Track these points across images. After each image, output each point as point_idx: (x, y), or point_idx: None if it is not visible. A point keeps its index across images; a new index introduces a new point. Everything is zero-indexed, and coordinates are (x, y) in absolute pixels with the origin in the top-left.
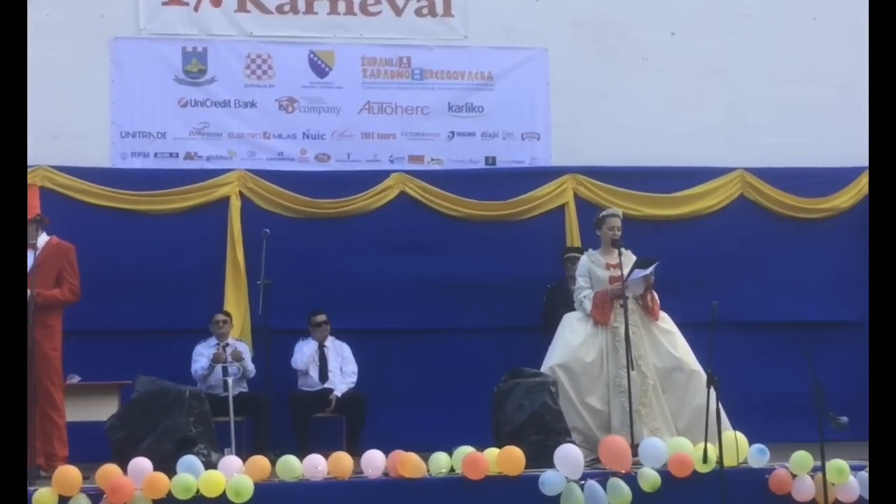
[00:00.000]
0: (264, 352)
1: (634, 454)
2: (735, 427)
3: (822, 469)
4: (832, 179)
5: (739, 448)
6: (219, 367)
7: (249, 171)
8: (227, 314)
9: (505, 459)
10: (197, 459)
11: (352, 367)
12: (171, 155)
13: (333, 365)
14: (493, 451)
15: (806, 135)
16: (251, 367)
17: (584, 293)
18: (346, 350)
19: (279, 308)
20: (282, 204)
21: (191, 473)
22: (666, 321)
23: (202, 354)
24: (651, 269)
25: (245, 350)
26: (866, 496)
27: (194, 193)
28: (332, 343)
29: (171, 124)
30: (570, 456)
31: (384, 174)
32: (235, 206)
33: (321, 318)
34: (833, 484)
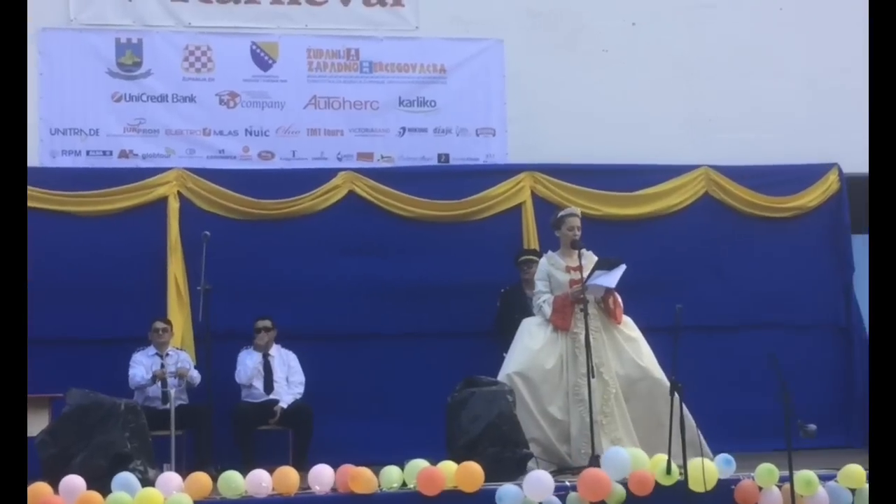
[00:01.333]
0: (206, 361)
1: (597, 465)
2: (700, 434)
3: (790, 480)
4: (799, 177)
5: (708, 477)
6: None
7: (188, 169)
8: (167, 322)
9: (463, 475)
10: (133, 476)
11: (298, 377)
12: (104, 153)
13: (279, 375)
14: (448, 465)
15: (772, 130)
16: (196, 375)
17: (543, 297)
18: (292, 359)
19: (221, 314)
20: (223, 205)
21: (126, 491)
22: (630, 327)
23: (140, 363)
24: (618, 276)
25: (187, 360)
26: None
27: (130, 194)
28: (277, 352)
29: (105, 120)
30: (541, 484)
31: (331, 173)
32: (174, 207)
33: (266, 323)
34: (801, 495)
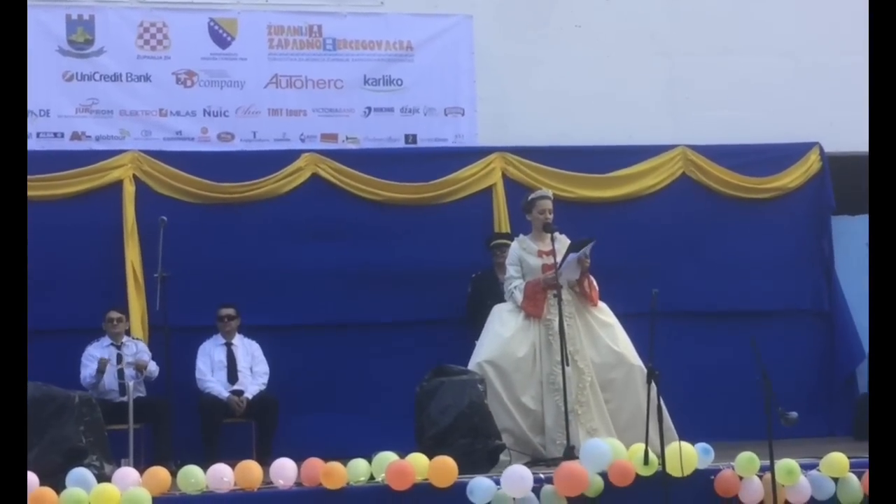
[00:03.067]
0: (164, 351)
1: (572, 457)
2: (678, 423)
3: (771, 469)
4: (780, 157)
5: (686, 460)
6: (112, 371)
7: (144, 151)
8: (122, 311)
9: (436, 469)
10: (88, 472)
11: (262, 367)
12: (55, 135)
13: (243, 365)
14: (417, 458)
15: (752, 109)
16: (154, 368)
17: (514, 283)
18: (255, 349)
19: (179, 303)
20: (181, 188)
21: (81, 487)
22: (605, 312)
23: (93, 357)
24: (585, 250)
25: (145, 351)
26: (818, 497)
27: (82, 178)
28: (240, 341)
29: (56, 101)
30: (520, 480)
31: (294, 154)
32: (129, 190)
33: (230, 311)
34: (783, 485)
